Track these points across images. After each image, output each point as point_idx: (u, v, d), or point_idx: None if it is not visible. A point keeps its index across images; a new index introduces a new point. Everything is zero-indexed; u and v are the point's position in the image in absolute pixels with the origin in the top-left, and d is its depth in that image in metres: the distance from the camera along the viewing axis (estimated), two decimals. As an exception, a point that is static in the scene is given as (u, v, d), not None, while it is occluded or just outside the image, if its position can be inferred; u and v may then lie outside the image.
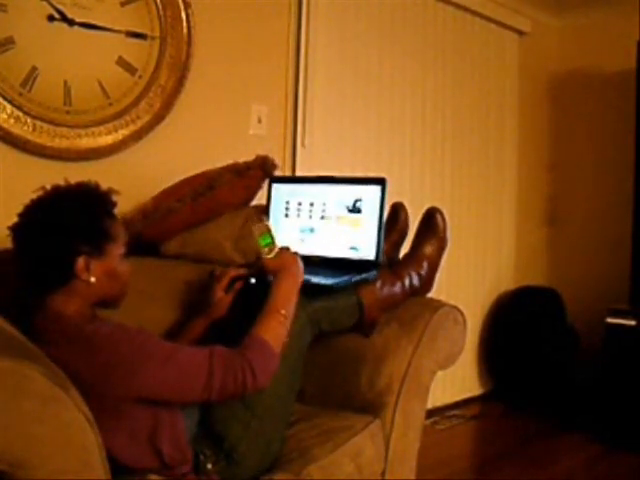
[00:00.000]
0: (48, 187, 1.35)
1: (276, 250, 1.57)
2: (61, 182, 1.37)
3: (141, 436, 1.27)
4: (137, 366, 1.23)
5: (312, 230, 1.84)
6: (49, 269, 1.30)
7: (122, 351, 1.23)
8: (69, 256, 1.29)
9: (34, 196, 1.34)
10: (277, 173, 2.04)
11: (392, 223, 1.90)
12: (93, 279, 1.31)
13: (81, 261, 1.29)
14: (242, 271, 1.69)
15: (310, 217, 1.85)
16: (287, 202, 1.89)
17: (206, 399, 1.29)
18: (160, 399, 1.27)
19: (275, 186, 1.93)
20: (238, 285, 1.67)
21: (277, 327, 1.41)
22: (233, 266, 1.80)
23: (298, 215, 1.87)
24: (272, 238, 1.57)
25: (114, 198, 1.39)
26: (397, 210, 1.91)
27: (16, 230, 1.32)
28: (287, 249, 1.59)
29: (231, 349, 1.33)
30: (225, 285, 1.67)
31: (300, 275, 1.53)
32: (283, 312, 1.43)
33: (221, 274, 1.69)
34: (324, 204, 1.83)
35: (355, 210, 1.78)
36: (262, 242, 1.57)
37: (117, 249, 1.37)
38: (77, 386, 1.13)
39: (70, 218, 1.30)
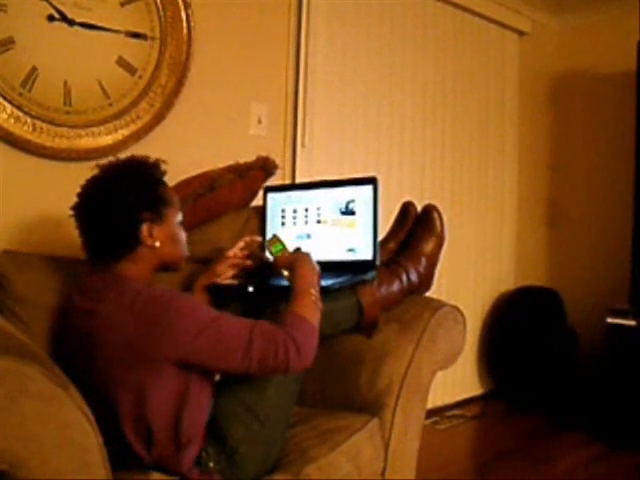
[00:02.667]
0: (102, 163, 1.44)
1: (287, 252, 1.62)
2: (110, 160, 1.46)
3: (169, 403, 1.31)
4: (175, 326, 1.26)
5: (309, 236, 1.85)
6: (116, 240, 1.38)
7: (170, 310, 1.27)
8: (133, 225, 1.38)
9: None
10: (277, 173, 2.04)
11: (401, 222, 1.90)
12: (157, 243, 1.40)
13: (145, 228, 1.38)
14: (248, 262, 1.71)
15: (306, 223, 1.86)
16: (283, 210, 1.90)
17: (246, 369, 1.31)
18: (197, 364, 1.30)
19: (270, 195, 1.94)
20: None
21: (311, 305, 1.42)
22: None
23: (294, 222, 1.88)
24: (282, 244, 1.63)
25: (163, 167, 1.48)
26: (407, 209, 1.91)
27: (79, 210, 1.40)
28: (299, 249, 1.63)
29: (276, 324, 1.35)
30: (242, 246, 1.72)
31: (315, 266, 1.54)
32: (313, 291, 1.44)
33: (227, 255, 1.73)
34: (319, 209, 1.84)
35: (349, 212, 1.78)
36: (274, 249, 1.62)
37: (175, 214, 1.47)
38: (122, 342, 1.22)
39: (128, 189, 1.38)
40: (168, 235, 1.44)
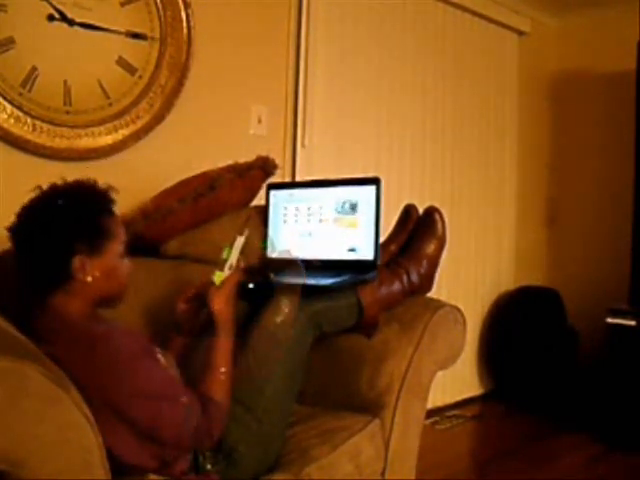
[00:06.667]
0: (44, 186, 1.34)
1: (225, 272, 1.47)
2: (58, 181, 1.35)
3: (141, 432, 1.26)
4: (128, 371, 1.22)
5: (311, 234, 1.84)
6: (47, 269, 1.29)
7: (116, 353, 1.23)
8: (65, 256, 1.28)
9: (31, 195, 1.34)
10: (277, 173, 2.04)
11: (403, 224, 1.90)
12: (90, 278, 1.30)
13: (77, 261, 1.29)
14: (200, 290, 1.53)
15: (308, 221, 1.85)
16: (285, 208, 1.90)
17: (175, 448, 1.29)
18: (132, 422, 1.24)
19: (273, 193, 1.94)
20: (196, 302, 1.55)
21: (222, 384, 1.38)
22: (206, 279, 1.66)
23: (296, 220, 1.88)
24: (230, 256, 1.48)
25: (112, 195, 1.37)
26: (409, 211, 1.91)
27: (14, 230, 1.31)
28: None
29: (200, 410, 1.30)
30: (187, 297, 1.55)
31: (229, 295, 1.45)
32: (223, 370, 1.39)
33: (186, 286, 1.60)
34: (321, 207, 1.83)
35: (351, 211, 1.78)
36: (225, 254, 1.49)
37: (115, 247, 1.35)
38: (78, 385, 1.13)
39: (65, 217, 1.29)
40: (103, 269, 1.32)
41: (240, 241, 1.51)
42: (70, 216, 1.29)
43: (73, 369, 1.18)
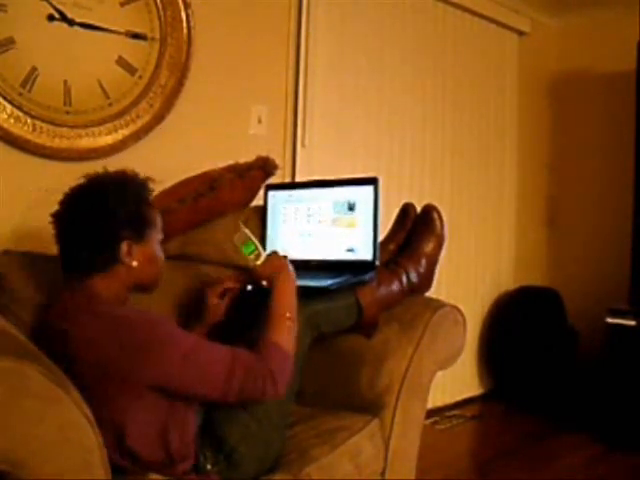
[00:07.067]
0: (92, 174, 1.40)
1: (263, 256, 1.56)
2: (102, 171, 1.43)
3: (154, 425, 1.29)
4: (159, 353, 1.24)
5: (310, 235, 1.85)
6: (94, 254, 1.34)
7: (147, 335, 1.25)
8: (113, 241, 1.34)
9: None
10: (277, 173, 2.04)
11: (401, 223, 1.90)
12: (135, 263, 1.37)
13: (125, 246, 1.35)
14: (236, 284, 1.65)
15: (307, 222, 1.86)
16: (284, 208, 1.90)
17: (223, 400, 1.30)
18: (177, 391, 1.28)
19: (271, 193, 1.94)
20: (231, 294, 1.65)
21: (287, 331, 1.42)
22: (232, 273, 1.77)
23: (295, 221, 1.88)
24: (254, 245, 1.57)
25: (151, 186, 1.45)
26: (407, 211, 1.91)
27: (59, 217, 1.37)
28: (275, 253, 1.59)
29: (254, 354, 1.33)
30: (219, 292, 1.65)
31: (293, 276, 1.52)
32: (289, 315, 1.43)
33: (216, 281, 1.68)
34: (320, 208, 1.84)
35: (350, 212, 1.78)
36: (246, 251, 1.57)
37: (156, 234, 1.44)
38: (100, 367, 1.18)
39: (113, 204, 1.35)
40: (147, 255, 1.40)
41: (248, 232, 1.59)
42: (117, 204, 1.35)
43: (98, 350, 1.21)
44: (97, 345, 1.23)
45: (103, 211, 1.34)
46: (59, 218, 1.37)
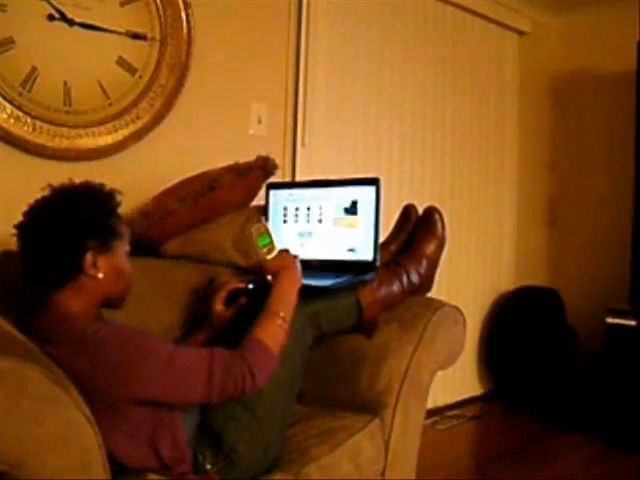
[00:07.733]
0: (55, 185, 1.36)
1: (275, 251, 1.57)
2: (65, 182, 1.38)
3: (141, 437, 1.28)
4: (138, 368, 1.23)
5: (310, 234, 1.85)
6: (57, 265, 1.31)
7: (124, 352, 1.24)
8: (77, 252, 1.31)
9: (39, 195, 1.35)
10: (277, 173, 2.04)
11: (402, 224, 1.90)
12: (100, 275, 1.34)
13: (89, 257, 1.32)
14: (241, 284, 1.64)
15: (308, 221, 1.86)
16: (285, 208, 1.90)
17: (206, 401, 1.30)
18: (161, 401, 1.28)
19: (272, 192, 1.94)
20: (242, 301, 1.63)
21: (276, 329, 1.41)
22: (232, 273, 1.77)
23: (296, 220, 1.88)
24: (271, 238, 1.57)
25: (118, 198, 1.41)
26: (408, 212, 1.91)
27: (22, 228, 1.33)
28: (287, 251, 1.59)
29: (231, 351, 1.33)
30: (224, 297, 1.63)
31: (299, 277, 1.53)
32: (282, 315, 1.42)
33: (220, 286, 1.66)
34: (321, 207, 1.83)
35: (351, 212, 1.78)
36: (260, 243, 1.57)
37: (123, 246, 1.40)
38: (79, 386, 1.13)
39: (78, 214, 1.32)
40: (113, 267, 1.36)
41: (268, 225, 1.60)
42: (82, 214, 1.33)
43: (77, 370, 1.18)
44: (75, 366, 1.20)
45: (68, 220, 1.31)
46: (23, 229, 1.33)
